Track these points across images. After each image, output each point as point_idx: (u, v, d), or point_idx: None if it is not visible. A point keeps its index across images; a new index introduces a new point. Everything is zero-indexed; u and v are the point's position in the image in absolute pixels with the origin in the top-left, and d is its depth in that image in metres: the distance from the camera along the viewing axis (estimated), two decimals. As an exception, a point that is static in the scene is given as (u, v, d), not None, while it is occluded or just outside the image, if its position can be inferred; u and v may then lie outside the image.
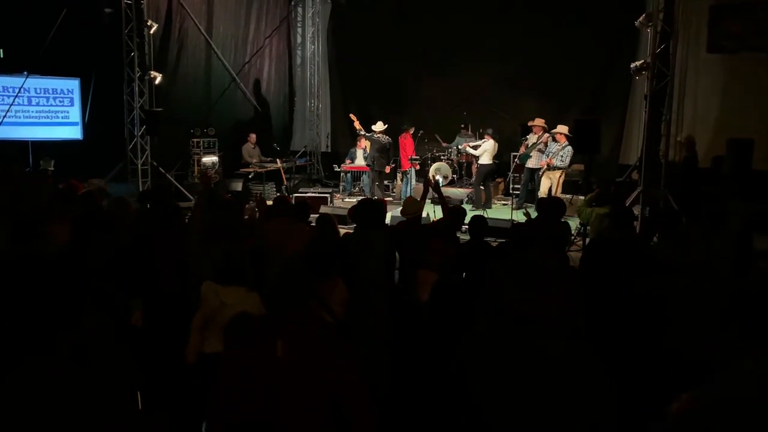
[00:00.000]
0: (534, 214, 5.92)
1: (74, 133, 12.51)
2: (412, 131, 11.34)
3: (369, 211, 4.41)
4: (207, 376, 3.15)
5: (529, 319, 1.75)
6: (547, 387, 1.70)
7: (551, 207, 5.01)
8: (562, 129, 9.70)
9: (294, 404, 1.99)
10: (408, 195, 10.33)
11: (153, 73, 10.48)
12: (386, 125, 10.89)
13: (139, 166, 10.65)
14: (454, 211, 5.10)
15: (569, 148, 9.47)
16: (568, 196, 10.10)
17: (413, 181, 11.20)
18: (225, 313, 3.18)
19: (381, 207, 4.51)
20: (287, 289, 2.19)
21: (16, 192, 5.28)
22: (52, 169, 9.99)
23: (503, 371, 1.78)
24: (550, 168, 9.61)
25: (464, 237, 5.44)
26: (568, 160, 9.53)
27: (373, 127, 10.84)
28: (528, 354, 1.75)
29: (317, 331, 2.16)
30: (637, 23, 9.52)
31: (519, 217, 7.84)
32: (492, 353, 1.84)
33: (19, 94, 10.76)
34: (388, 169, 11.29)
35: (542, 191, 9.59)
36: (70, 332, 2.02)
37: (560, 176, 9.61)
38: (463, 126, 12.65)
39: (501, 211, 10.24)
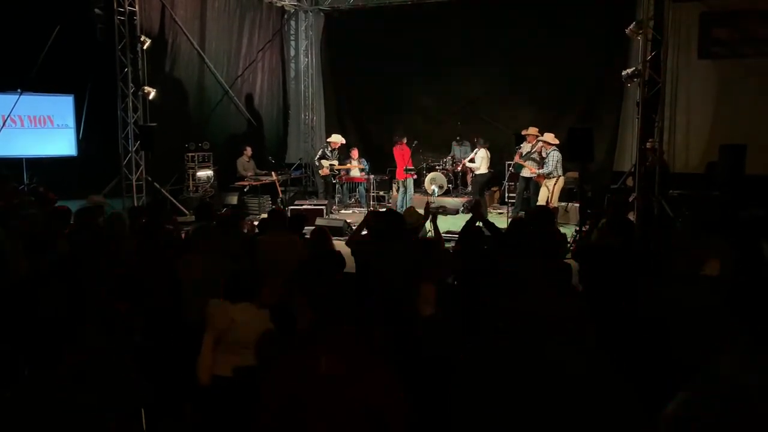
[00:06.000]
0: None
1: (69, 149, 12.50)
2: (405, 141, 11.36)
3: (391, 222, 4.35)
4: (216, 399, 3.09)
5: (535, 326, 1.74)
6: (554, 395, 1.69)
7: (539, 217, 4.97)
8: (547, 137, 9.76)
9: (339, 421, 1.95)
10: (405, 205, 10.36)
11: (147, 89, 10.47)
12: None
13: (134, 181, 10.62)
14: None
15: (555, 152, 9.51)
16: (563, 203, 10.13)
17: (411, 191, 11.22)
18: (235, 331, 3.07)
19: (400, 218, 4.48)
20: (336, 304, 2.12)
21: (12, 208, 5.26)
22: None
23: (510, 379, 1.77)
24: (545, 177, 9.66)
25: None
26: (557, 164, 9.54)
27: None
28: (534, 361, 1.74)
29: (361, 346, 2.10)
30: (627, 31, 9.58)
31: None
32: (497, 361, 1.83)
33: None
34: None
35: (540, 200, 9.61)
36: (72, 349, 2.00)
37: (555, 183, 9.63)
38: (458, 137, 12.68)
39: (497, 219, 10.23)
